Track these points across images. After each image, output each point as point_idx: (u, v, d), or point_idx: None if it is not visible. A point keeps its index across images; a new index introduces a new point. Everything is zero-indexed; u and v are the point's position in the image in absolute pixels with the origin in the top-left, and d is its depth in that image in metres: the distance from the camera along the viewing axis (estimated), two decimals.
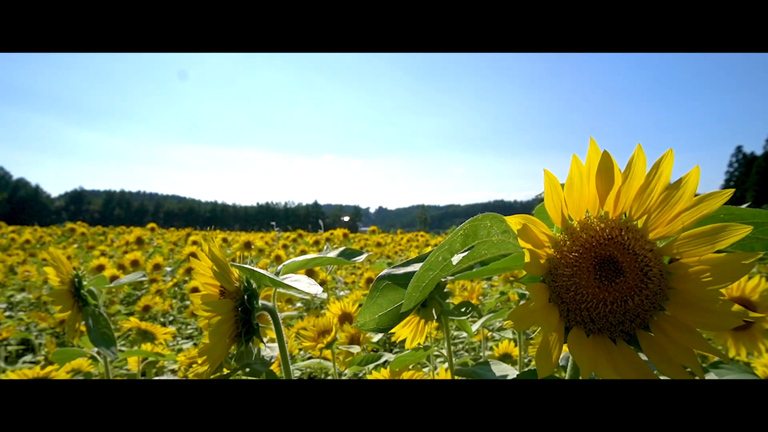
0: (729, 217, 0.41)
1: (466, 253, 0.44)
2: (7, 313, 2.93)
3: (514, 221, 0.38)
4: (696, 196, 0.38)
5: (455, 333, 2.44)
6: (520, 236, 0.37)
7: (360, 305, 1.26)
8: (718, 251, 0.38)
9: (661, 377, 0.39)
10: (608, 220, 0.41)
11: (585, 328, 0.40)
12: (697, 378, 0.38)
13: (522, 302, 0.39)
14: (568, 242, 0.41)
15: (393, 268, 0.56)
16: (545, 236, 0.40)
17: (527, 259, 0.37)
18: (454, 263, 0.43)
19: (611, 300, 0.39)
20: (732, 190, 0.37)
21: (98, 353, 1.20)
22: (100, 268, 2.62)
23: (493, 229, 0.43)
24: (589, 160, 0.39)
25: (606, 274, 0.39)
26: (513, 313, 0.37)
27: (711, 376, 0.79)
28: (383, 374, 0.96)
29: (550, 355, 0.37)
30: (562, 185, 0.40)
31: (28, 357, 2.47)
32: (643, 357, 0.40)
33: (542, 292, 0.39)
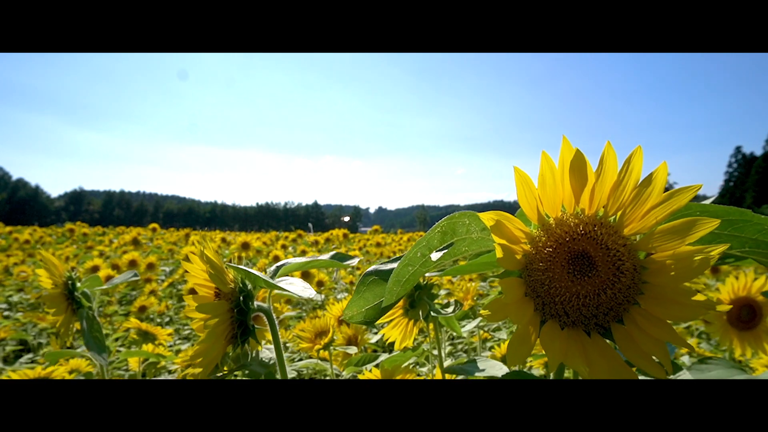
0: (704, 215, 0.42)
1: (445, 250, 0.45)
2: (5, 314, 2.94)
3: (486, 217, 0.39)
4: (666, 191, 0.39)
5: (455, 334, 2.45)
6: (493, 232, 0.38)
7: None
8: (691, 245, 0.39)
9: (634, 370, 0.40)
10: (583, 216, 0.42)
11: (560, 321, 0.41)
12: (670, 375, 0.39)
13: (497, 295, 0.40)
14: (543, 238, 0.42)
15: (380, 264, 0.57)
16: (521, 232, 0.41)
17: (499, 254, 0.38)
18: (433, 260, 0.44)
19: (584, 293, 0.40)
20: (700, 185, 0.38)
21: None
22: (95, 269, 2.63)
23: (471, 226, 0.44)
24: (562, 157, 0.40)
25: (579, 269, 0.40)
26: (489, 305, 0.38)
27: (699, 370, 0.79)
28: (375, 374, 0.97)
29: (522, 346, 0.38)
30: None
31: (26, 357, 2.47)
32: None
33: (515, 286, 0.40)
